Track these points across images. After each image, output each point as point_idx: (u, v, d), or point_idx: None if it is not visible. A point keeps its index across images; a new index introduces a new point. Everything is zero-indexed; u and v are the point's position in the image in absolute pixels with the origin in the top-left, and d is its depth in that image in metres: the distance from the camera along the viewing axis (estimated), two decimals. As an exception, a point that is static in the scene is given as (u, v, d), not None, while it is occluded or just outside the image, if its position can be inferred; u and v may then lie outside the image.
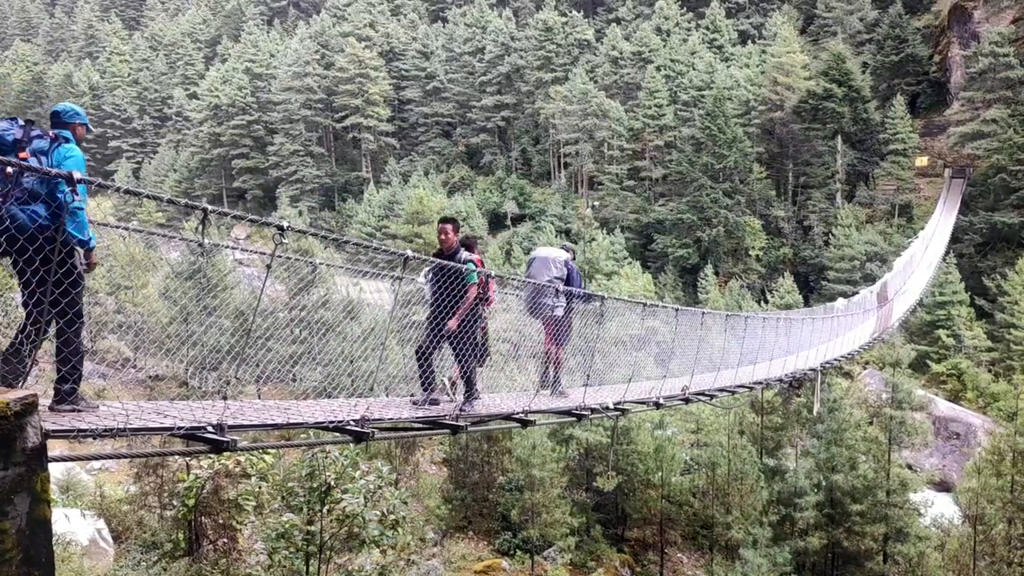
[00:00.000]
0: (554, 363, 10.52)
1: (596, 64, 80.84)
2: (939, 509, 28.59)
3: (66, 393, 5.46)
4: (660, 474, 28.91)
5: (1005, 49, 57.56)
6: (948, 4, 68.77)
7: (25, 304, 5.30)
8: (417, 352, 8.55)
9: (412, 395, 8.96)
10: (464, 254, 8.85)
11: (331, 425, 6.89)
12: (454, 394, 8.89)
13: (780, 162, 67.40)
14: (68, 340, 5.45)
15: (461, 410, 8.39)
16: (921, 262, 46.18)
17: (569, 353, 10.78)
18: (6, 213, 5.05)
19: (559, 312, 10.12)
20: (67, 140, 5.55)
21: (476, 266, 8.85)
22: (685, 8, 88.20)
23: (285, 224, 6.18)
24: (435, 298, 8.50)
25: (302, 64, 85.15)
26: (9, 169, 4.92)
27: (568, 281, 10.32)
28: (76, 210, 5.17)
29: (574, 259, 10.90)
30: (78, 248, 5.37)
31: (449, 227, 8.89)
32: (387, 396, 10.08)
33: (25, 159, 5.17)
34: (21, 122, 5.47)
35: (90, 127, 5.98)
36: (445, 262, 8.46)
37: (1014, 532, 22.66)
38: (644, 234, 65.93)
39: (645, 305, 13.14)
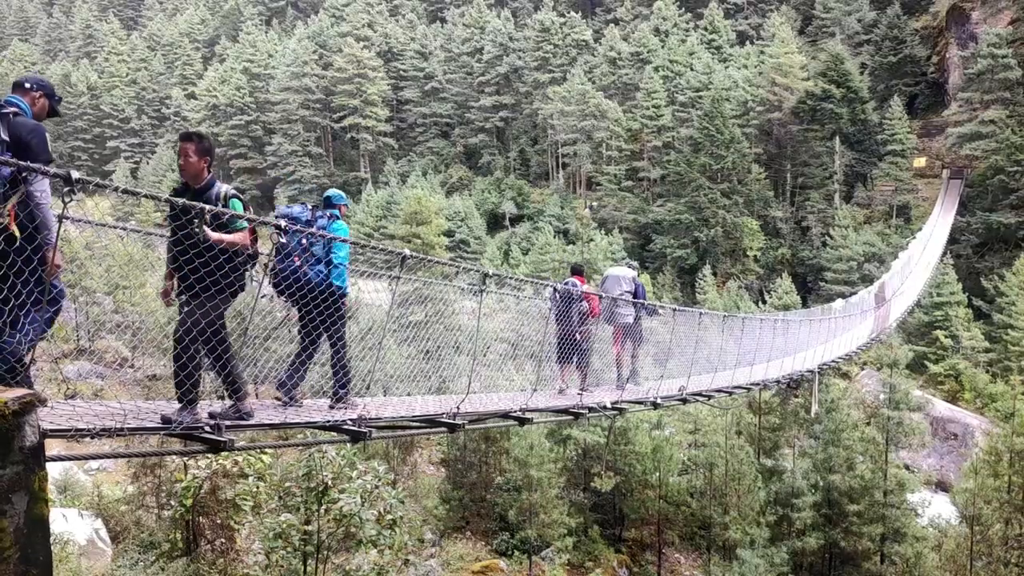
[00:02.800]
0: (632, 359, 12.64)
1: (594, 65, 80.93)
2: (936, 509, 28.65)
3: (341, 396, 7.50)
4: (658, 474, 28.91)
5: (1003, 50, 57.65)
6: (946, 5, 68.90)
7: (300, 331, 7.46)
8: (177, 343, 5.84)
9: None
10: (224, 188, 6.28)
11: (328, 424, 6.90)
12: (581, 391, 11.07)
13: (778, 163, 67.47)
14: (340, 358, 7.52)
15: (215, 415, 5.90)
16: (919, 263, 46.23)
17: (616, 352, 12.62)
18: (302, 272, 7.16)
19: (629, 320, 12.21)
20: (338, 217, 7.74)
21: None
22: (683, 9, 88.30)
23: (283, 223, 6.19)
24: (178, 255, 5.90)
25: (300, 64, 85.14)
26: (304, 240, 7.06)
27: (635, 294, 12.34)
28: (341, 268, 7.34)
29: (639, 275, 12.99)
30: (341, 294, 7.41)
31: (191, 147, 6.15)
32: (384, 396, 10.10)
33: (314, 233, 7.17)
34: (309, 207, 7.75)
35: (350, 205, 8.39)
36: (184, 202, 5.62)
37: (1011, 532, 22.70)
38: (642, 234, 65.96)
39: (643, 305, 13.16)
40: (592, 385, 11.76)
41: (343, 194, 8.02)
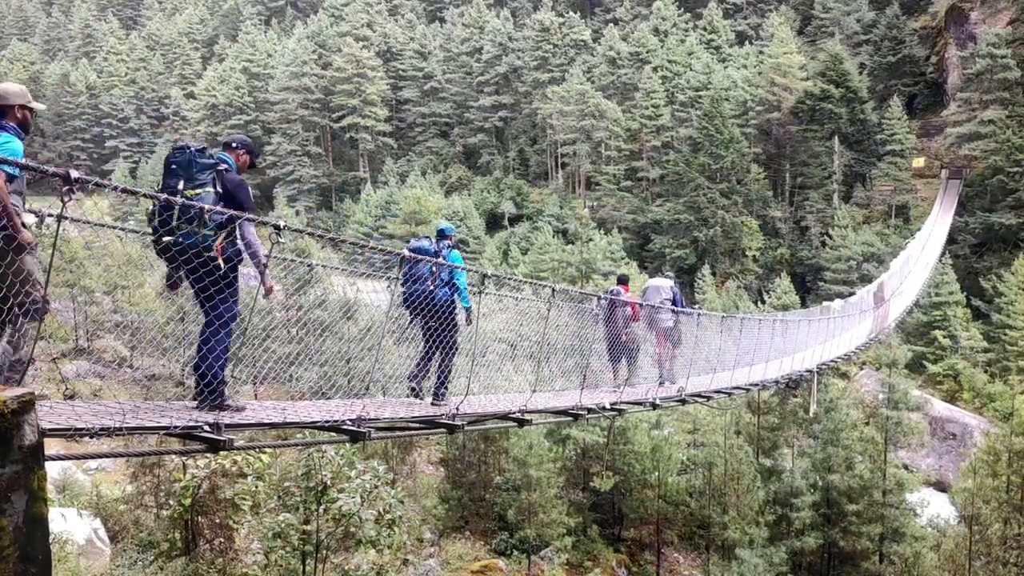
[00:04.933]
0: (670, 359, 13.95)
1: (593, 64, 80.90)
2: (935, 509, 28.67)
3: (441, 394, 8.83)
4: (657, 474, 28.91)
5: (1002, 50, 57.69)
6: (945, 5, 68.90)
7: (425, 341, 8.93)
8: None
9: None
10: None
11: (327, 424, 6.90)
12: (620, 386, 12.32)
13: (777, 163, 67.49)
14: (447, 362, 8.90)
15: None
16: (918, 263, 46.25)
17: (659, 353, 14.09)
18: (432, 293, 8.61)
19: (670, 324, 13.66)
20: (453, 247, 9.17)
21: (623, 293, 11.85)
22: (682, 9, 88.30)
23: (282, 223, 6.19)
24: None
25: (299, 64, 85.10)
26: (434, 268, 8.53)
27: (674, 302, 13.81)
28: (464, 291, 8.89)
29: (674, 286, 14.34)
30: (463, 310, 8.93)
31: None
32: (384, 396, 10.10)
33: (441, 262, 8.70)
34: (433, 239, 9.17)
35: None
36: None
37: (1010, 532, 22.72)
38: (641, 234, 65.96)
39: (642, 306, 13.18)
40: (632, 382, 12.95)
41: (452, 226, 9.64)
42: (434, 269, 8.59)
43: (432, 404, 8.74)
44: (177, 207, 5.90)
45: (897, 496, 27.19)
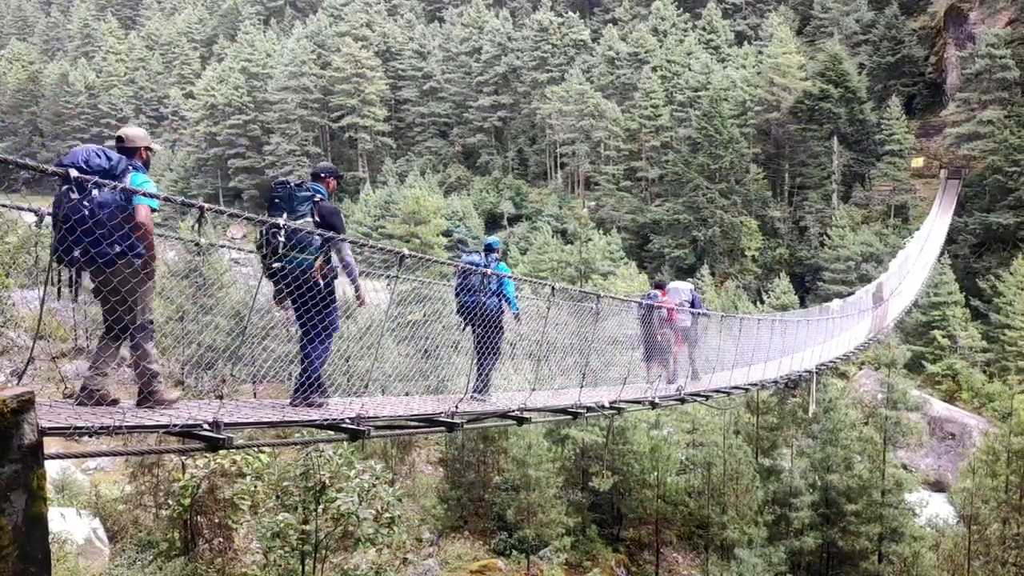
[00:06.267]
0: (689, 358, 14.66)
1: (592, 64, 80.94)
2: (934, 509, 28.68)
3: (482, 390, 9.52)
4: (656, 474, 28.92)
5: (1001, 51, 57.70)
6: (944, 5, 68.92)
7: (476, 346, 9.65)
8: None
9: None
10: None
11: (327, 423, 6.89)
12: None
13: (776, 163, 67.48)
14: (490, 362, 9.66)
15: None
16: (916, 263, 46.24)
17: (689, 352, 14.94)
18: (482, 302, 9.44)
19: (687, 323, 14.33)
20: (499, 260, 9.94)
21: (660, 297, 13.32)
22: (681, 9, 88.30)
23: (281, 222, 6.20)
24: None
25: (298, 64, 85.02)
26: (484, 280, 9.40)
27: (692, 304, 14.66)
28: (512, 299, 9.76)
29: (693, 289, 15.46)
30: (512, 315, 9.82)
31: None
32: (383, 395, 10.10)
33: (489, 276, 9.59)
34: (483, 253, 9.98)
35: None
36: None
37: (1008, 532, 22.74)
38: (640, 234, 65.94)
39: (642, 305, 13.17)
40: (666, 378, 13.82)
41: (498, 239, 10.76)
42: (483, 280, 9.45)
43: (473, 399, 9.24)
44: (283, 236, 6.74)
45: (896, 496, 27.20)
